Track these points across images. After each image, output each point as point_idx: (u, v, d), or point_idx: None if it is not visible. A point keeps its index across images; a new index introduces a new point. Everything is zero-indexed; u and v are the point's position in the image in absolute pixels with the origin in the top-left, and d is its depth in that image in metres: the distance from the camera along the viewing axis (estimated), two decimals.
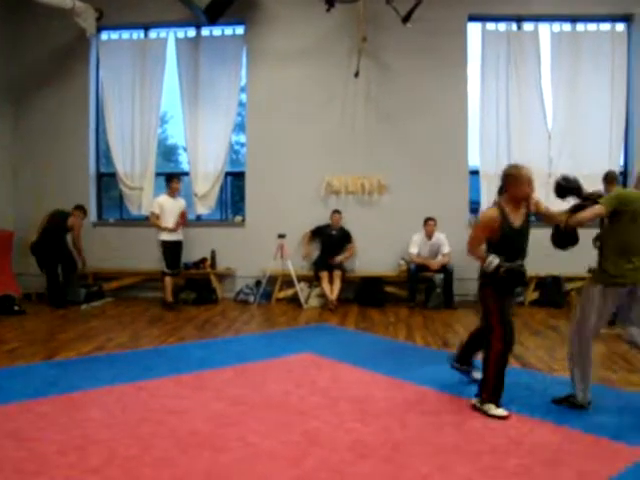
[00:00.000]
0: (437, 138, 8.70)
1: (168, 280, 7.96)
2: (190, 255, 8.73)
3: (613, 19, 8.68)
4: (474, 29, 8.84)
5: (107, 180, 9.54)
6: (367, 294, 8.36)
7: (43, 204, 8.69)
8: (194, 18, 8.64)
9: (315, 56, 8.82)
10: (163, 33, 9.17)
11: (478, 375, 4.08)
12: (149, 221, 8.19)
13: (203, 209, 9.15)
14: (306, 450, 3.17)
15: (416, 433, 3.44)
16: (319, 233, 8.71)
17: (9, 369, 4.83)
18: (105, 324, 6.93)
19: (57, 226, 8.12)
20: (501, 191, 4.08)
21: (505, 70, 8.73)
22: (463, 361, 4.46)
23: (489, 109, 8.79)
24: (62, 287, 8.15)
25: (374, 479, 2.86)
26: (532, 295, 8.29)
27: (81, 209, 8.39)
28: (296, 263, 8.52)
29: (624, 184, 8.69)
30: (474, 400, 3.83)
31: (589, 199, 3.73)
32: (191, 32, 9.12)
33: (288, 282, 8.49)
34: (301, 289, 8.34)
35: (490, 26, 8.79)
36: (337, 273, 8.27)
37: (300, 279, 8.43)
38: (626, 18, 8.65)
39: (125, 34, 9.27)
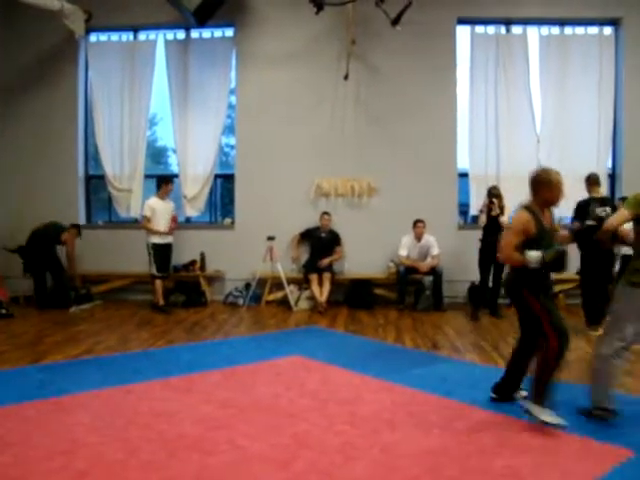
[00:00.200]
0: (426, 140, 8.72)
1: (159, 283, 7.92)
2: (179, 257, 8.69)
3: (601, 23, 8.76)
4: (463, 32, 8.88)
5: (96, 182, 9.49)
6: (356, 296, 8.36)
7: (32, 206, 8.64)
8: (183, 20, 8.61)
9: (305, 59, 8.82)
10: (152, 35, 9.15)
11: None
12: (139, 224, 8.15)
13: (192, 211, 9.13)
14: (295, 453, 3.17)
15: (405, 435, 3.44)
16: (308, 236, 8.71)
17: None
18: (94, 327, 6.88)
19: (49, 235, 8.09)
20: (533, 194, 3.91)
21: (494, 73, 8.79)
22: (505, 393, 4.03)
23: (478, 112, 8.83)
24: (50, 290, 8.12)
25: None
26: None
27: (77, 228, 8.38)
28: (286, 265, 8.51)
29: (612, 186, 8.79)
30: (523, 403, 3.64)
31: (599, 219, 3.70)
32: (180, 34, 9.11)
33: (278, 284, 8.48)
34: (291, 291, 8.33)
35: (479, 29, 8.84)
36: (326, 275, 8.27)
37: (290, 281, 8.41)
38: (614, 22, 8.72)
39: (114, 36, 9.25)
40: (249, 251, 8.60)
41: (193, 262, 8.80)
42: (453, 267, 8.43)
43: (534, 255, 3.55)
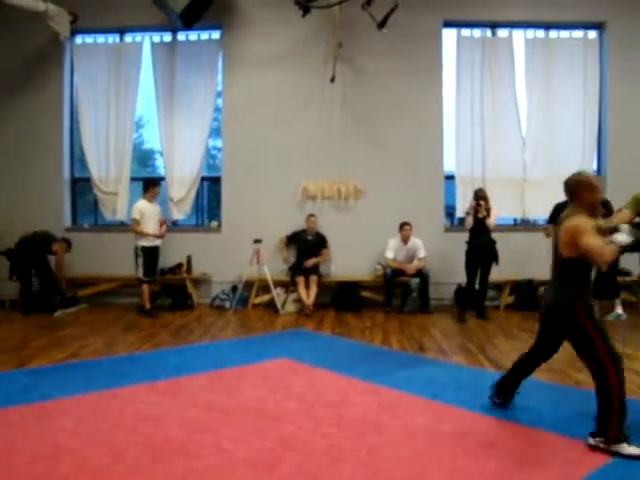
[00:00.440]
0: (413, 142, 8.76)
1: (146, 287, 7.87)
2: (166, 260, 8.65)
3: (585, 26, 8.84)
4: (449, 35, 8.93)
5: (82, 185, 9.42)
6: (343, 299, 8.37)
7: (18, 209, 8.58)
8: (170, 22, 8.58)
9: (291, 61, 8.83)
10: (139, 37, 9.10)
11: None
12: (125, 227, 8.10)
13: (179, 214, 9.08)
14: (281, 455, 3.16)
15: (391, 437, 3.44)
16: (295, 238, 8.71)
17: None
18: (79, 331, 6.82)
19: (39, 244, 8.04)
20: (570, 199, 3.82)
21: (480, 75, 8.84)
22: (505, 394, 3.99)
23: (464, 114, 8.88)
24: (36, 294, 8.07)
25: None
26: (507, 299, 8.36)
27: (67, 242, 8.35)
28: (272, 268, 8.48)
29: None
30: (593, 441, 3.28)
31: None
32: (167, 37, 9.08)
33: (264, 287, 8.46)
34: (277, 294, 8.31)
35: (465, 32, 8.89)
36: (313, 278, 8.27)
37: (276, 284, 8.40)
38: (598, 25, 8.81)
39: (100, 38, 9.19)
40: (236, 254, 8.59)
41: (180, 265, 8.77)
42: (440, 269, 8.46)
43: (623, 231, 3.41)
